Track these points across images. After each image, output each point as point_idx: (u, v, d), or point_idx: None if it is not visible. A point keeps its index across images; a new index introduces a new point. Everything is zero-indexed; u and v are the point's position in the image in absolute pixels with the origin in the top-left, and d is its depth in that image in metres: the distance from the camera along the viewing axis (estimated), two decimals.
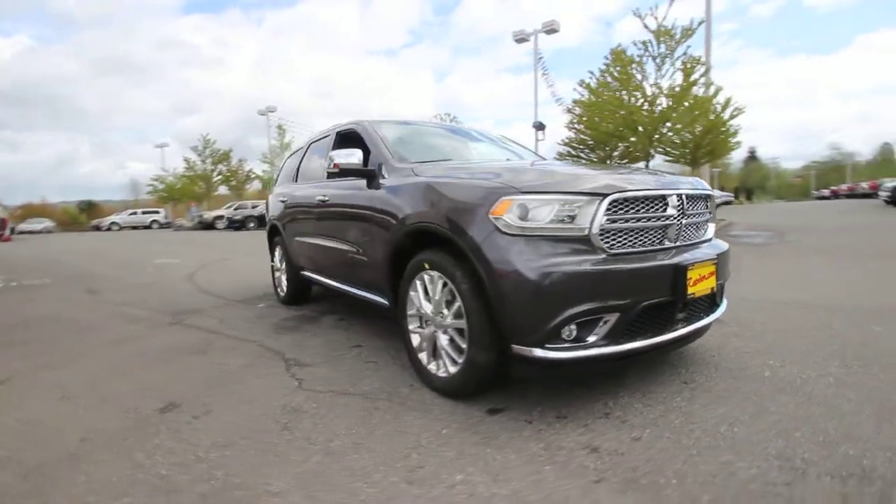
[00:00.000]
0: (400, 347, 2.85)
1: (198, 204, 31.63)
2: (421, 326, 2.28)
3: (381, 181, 2.63)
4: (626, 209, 1.83)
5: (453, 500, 1.37)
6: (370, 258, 2.64)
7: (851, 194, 33.12)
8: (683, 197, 2.01)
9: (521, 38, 17.11)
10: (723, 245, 2.27)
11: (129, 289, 5.60)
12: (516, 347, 1.75)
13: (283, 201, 4.20)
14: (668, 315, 1.92)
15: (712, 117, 10.92)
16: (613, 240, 1.80)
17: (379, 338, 3.09)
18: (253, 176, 36.82)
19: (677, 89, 10.81)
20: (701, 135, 11.69)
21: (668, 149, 12.84)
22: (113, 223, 32.35)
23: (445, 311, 2.06)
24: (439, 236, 2.08)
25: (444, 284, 2.04)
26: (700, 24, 10.90)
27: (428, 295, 2.18)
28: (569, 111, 14.99)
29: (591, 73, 12.44)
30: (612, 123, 11.63)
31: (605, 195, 1.77)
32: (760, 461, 1.50)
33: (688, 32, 10.95)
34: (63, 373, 2.66)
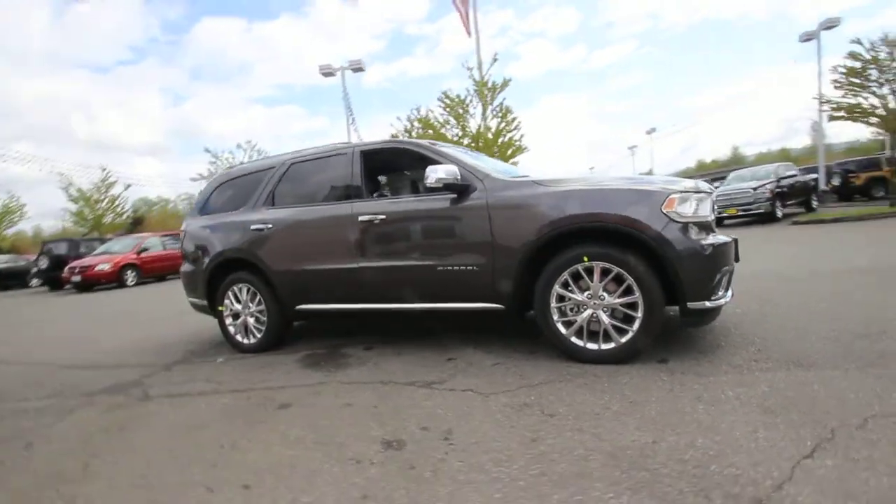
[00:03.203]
0: (506, 346, 3.07)
1: None
2: (564, 315, 2.65)
3: (479, 194, 2.86)
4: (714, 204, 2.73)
5: (760, 404, 1.89)
6: (483, 267, 2.80)
7: None
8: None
9: (327, 73, 17.40)
10: None
11: None
12: (692, 304, 2.39)
13: (258, 229, 3.65)
14: None
15: (509, 152, 13.85)
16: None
17: (462, 346, 3.17)
18: None
19: (492, 129, 13.43)
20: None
21: None
22: None
23: (605, 294, 2.52)
24: (601, 231, 2.53)
25: (605, 272, 2.51)
26: (510, 80, 13.78)
27: (577, 284, 2.59)
28: None
29: (431, 109, 14.02)
30: None
31: (711, 193, 2.62)
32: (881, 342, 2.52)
33: (502, 85, 13.68)
34: (137, 461, 1.88)
